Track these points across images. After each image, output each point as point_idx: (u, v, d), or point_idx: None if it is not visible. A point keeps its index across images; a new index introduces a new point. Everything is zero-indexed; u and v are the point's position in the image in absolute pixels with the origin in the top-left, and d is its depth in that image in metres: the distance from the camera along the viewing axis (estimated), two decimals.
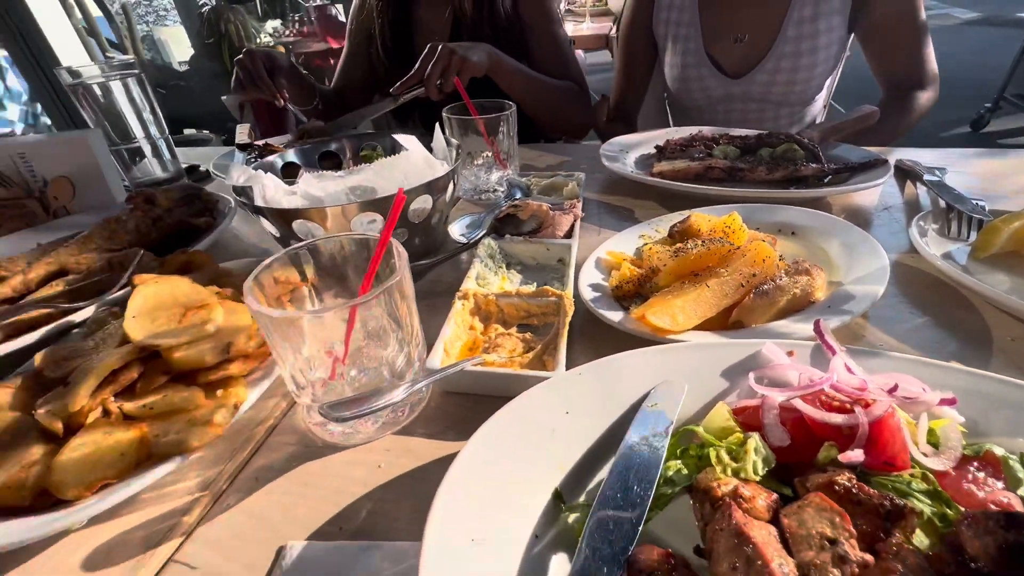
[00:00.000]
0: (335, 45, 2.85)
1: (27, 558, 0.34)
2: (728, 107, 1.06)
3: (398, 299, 0.37)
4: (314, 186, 0.53)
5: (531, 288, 0.52)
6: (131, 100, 0.79)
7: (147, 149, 0.83)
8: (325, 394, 0.41)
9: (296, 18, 3.37)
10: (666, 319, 0.43)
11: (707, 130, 0.91)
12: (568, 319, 0.46)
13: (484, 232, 0.62)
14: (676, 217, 0.62)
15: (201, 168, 1.05)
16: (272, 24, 3.25)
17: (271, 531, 0.35)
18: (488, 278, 0.56)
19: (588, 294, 0.51)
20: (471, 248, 0.61)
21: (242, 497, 0.37)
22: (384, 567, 0.31)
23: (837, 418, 0.31)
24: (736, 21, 0.99)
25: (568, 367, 0.42)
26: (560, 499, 0.32)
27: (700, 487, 0.29)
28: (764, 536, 0.25)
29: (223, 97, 2.58)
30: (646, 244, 0.59)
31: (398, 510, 0.35)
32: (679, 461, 0.32)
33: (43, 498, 0.34)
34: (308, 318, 0.36)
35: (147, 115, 0.82)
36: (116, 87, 0.77)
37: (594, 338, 0.49)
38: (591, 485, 0.34)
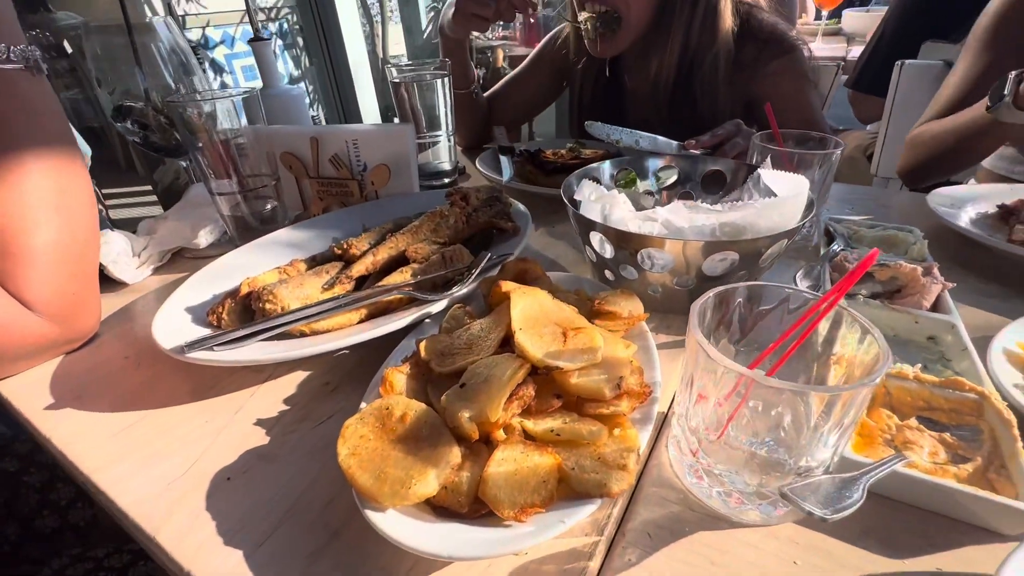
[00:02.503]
0: None
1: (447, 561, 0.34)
2: None
3: (867, 395, 0.31)
4: (681, 215, 0.50)
5: (930, 375, 0.43)
6: (443, 97, 0.85)
7: (444, 143, 0.88)
8: (712, 453, 0.37)
9: (501, 23, 3.56)
10: None
11: None
12: (1016, 431, 0.37)
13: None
14: None
15: (460, 164, 1.11)
16: None
17: None
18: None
19: (1023, 400, 0.40)
20: None
21: (642, 555, 0.34)
22: None
23: None
24: None
25: None
26: None
27: None
28: None
29: None
30: None
31: None
32: None
33: (475, 506, 0.34)
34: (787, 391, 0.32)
35: (450, 112, 0.88)
36: (438, 85, 0.83)
37: None
38: None
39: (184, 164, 0.79)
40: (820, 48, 2.31)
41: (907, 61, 1.25)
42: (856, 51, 2.18)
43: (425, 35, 3.63)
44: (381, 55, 2.97)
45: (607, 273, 0.59)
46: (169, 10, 1.86)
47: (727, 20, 0.96)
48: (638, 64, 1.05)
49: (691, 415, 0.37)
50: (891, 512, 0.36)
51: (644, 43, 0.99)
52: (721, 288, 0.37)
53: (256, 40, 0.92)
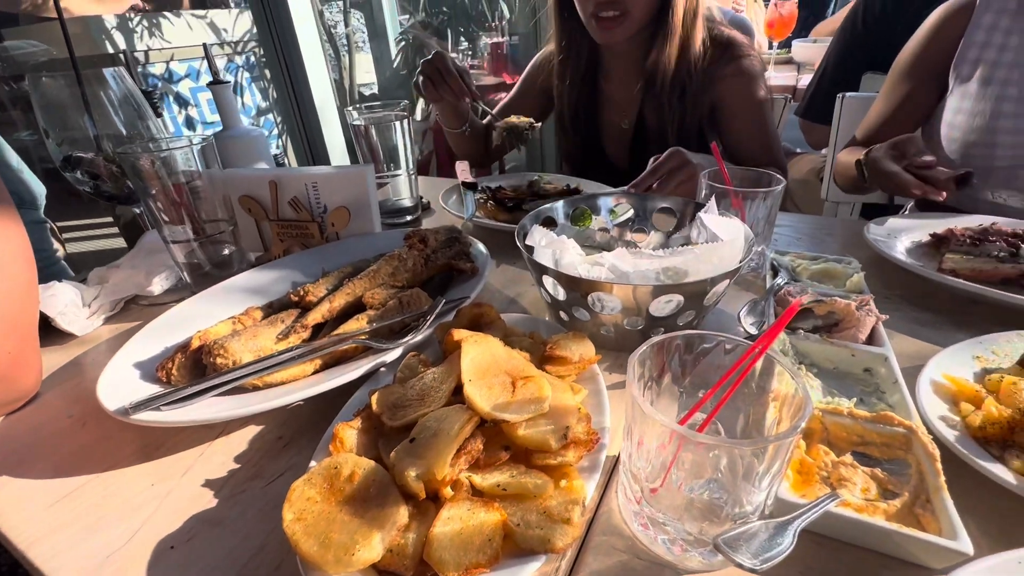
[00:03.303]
0: (508, 80, 3.02)
1: None
2: None
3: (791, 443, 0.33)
4: (626, 261, 0.52)
5: (864, 410, 0.45)
6: (403, 137, 0.86)
7: (405, 180, 0.90)
8: (654, 501, 0.38)
9: (470, 51, 3.63)
10: None
11: (1003, 223, 0.78)
12: (939, 465, 0.39)
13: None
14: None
15: (423, 200, 1.12)
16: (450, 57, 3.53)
17: None
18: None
19: (946, 432, 0.43)
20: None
21: None
22: None
23: None
24: None
25: None
26: None
27: None
28: None
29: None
30: (987, 372, 0.50)
31: None
32: None
33: (420, 568, 0.34)
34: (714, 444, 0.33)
35: (409, 151, 0.89)
36: (396, 127, 0.85)
37: (953, 484, 0.40)
38: None
39: (138, 210, 0.78)
40: (773, 76, 2.43)
41: (848, 94, 1.33)
42: (806, 79, 2.29)
43: (395, 64, 3.68)
44: (348, 87, 3.00)
45: (561, 314, 0.60)
46: (126, 51, 1.84)
47: (700, 26, 1.04)
48: (618, 71, 1.13)
49: (634, 463, 0.38)
50: (827, 551, 0.37)
51: (632, 44, 1.06)
52: (656, 339, 0.38)
53: (215, 83, 0.93)
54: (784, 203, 2.01)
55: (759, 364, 0.39)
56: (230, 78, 2.47)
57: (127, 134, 0.74)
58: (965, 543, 0.33)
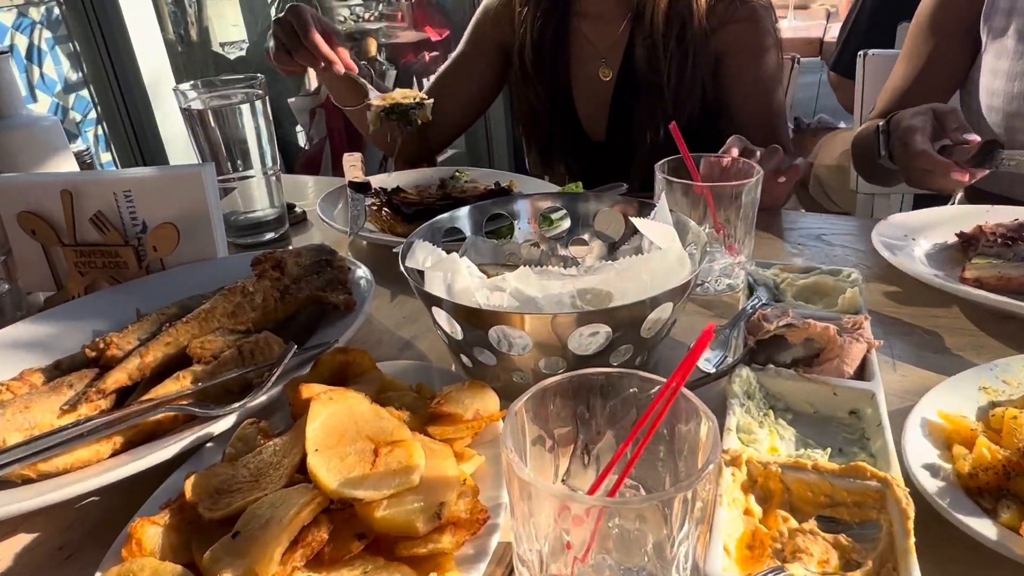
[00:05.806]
0: (434, 37, 3.13)
1: None
2: None
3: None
4: (532, 283, 0.58)
5: (831, 462, 0.52)
6: (255, 126, 0.92)
7: (261, 183, 0.95)
8: None
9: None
10: None
11: None
12: (911, 524, 0.45)
13: (738, 357, 0.63)
14: None
15: (297, 209, 1.17)
16: (351, 4, 3.63)
17: None
18: (754, 432, 0.56)
19: (928, 483, 0.50)
20: (718, 379, 0.62)
21: None
22: None
23: None
24: None
25: None
26: None
27: None
28: None
29: (290, 100, 2.90)
30: (996, 405, 0.58)
31: None
32: None
33: None
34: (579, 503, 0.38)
35: (266, 143, 0.94)
36: (245, 111, 0.90)
37: (935, 547, 0.46)
38: None
39: None
40: (791, 25, 2.63)
41: (872, 51, 1.47)
42: (836, 28, 2.50)
43: (273, 8, 3.75)
44: (200, 51, 3.06)
45: (464, 358, 0.65)
46: None
47: None
48: (597, 4, 1.22)
49: (522, 545, 0.42)
50: None
51: None
52: (539, 385, 0.43)
53: None
54: (814, 196, 2.16)
55: (685, 408, 0.45)
56: (22, 39, 2.48)
57: None
58: None
